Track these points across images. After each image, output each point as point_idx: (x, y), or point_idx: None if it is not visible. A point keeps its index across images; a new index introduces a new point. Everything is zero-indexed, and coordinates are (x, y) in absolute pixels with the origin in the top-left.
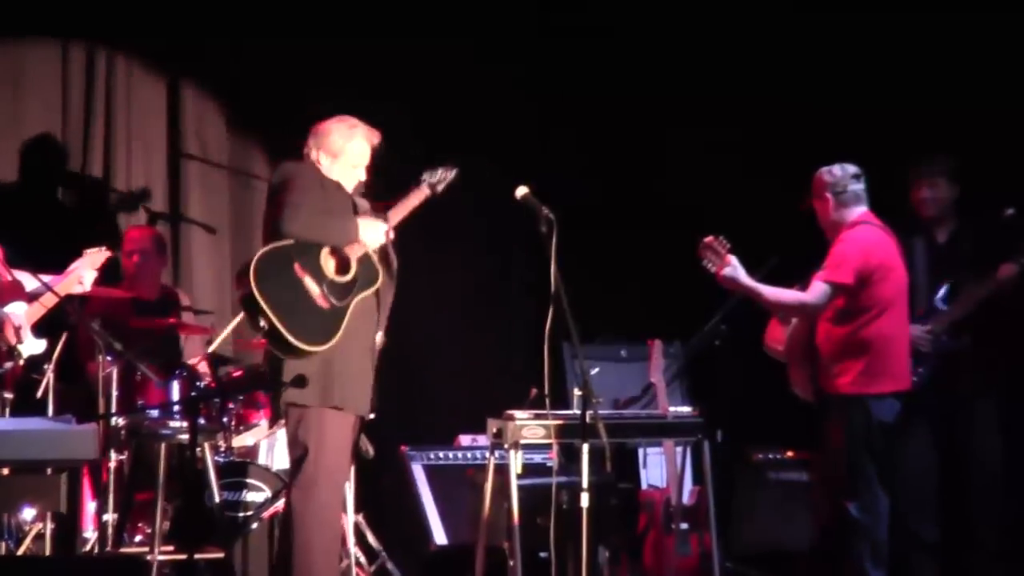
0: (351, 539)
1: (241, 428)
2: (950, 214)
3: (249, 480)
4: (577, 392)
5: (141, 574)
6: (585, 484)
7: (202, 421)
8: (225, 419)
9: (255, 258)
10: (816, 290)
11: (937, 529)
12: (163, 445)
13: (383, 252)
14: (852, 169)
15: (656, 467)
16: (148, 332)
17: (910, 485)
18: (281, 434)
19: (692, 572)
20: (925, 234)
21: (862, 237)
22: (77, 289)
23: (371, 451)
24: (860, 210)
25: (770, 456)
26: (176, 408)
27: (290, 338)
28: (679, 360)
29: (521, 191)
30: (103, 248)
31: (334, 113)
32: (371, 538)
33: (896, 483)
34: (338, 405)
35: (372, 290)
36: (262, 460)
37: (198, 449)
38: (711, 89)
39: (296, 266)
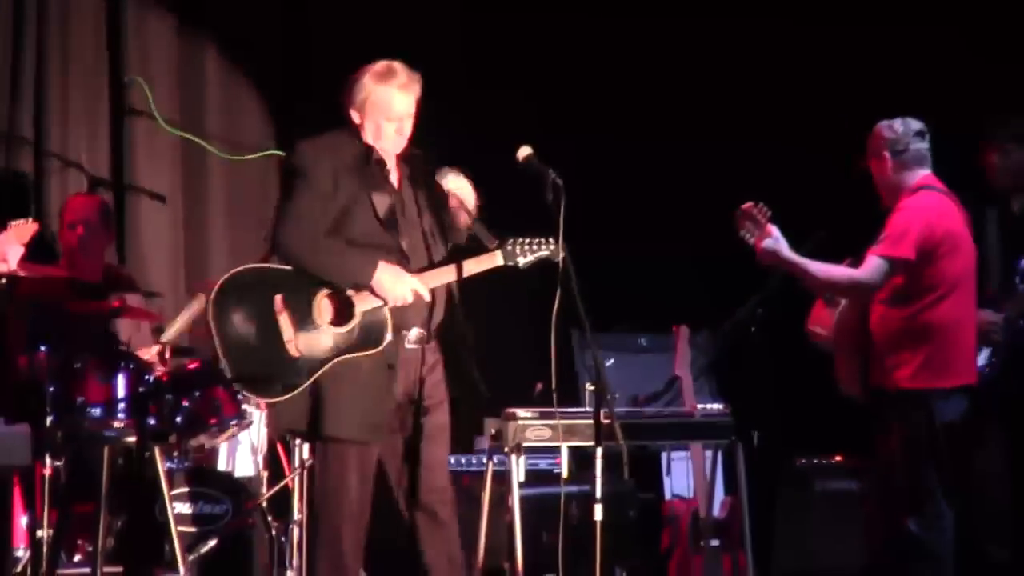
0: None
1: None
2: (1022, 178)
3: (207, 490)
4: (589, 387)
5: None
6: (599, 494)
7: (151, 421)
8: (179, 419)
9: (229, 273)
10: (871, 266)
11: (1008, 549)
12: (106, 449)
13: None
14: (916, 125)
15: (682, 475)
16: (90, 318)
17: (978, 497)
18: (244, 437)
19: None
20: (998, 204)
21: (925, 205)
22: (1, 268)
23: None
24: (923, 173)
25: (815, 462)
26: (121, 406)
27: (236, 384)
28: (709, 350)
29: (524, 151)
30: (29, 220)
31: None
32: None
33: (963, 495)
34: (332, 434)
35: (369, 353)
36: (222, 466)
37: (147, 454)
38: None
39: (277, 299)
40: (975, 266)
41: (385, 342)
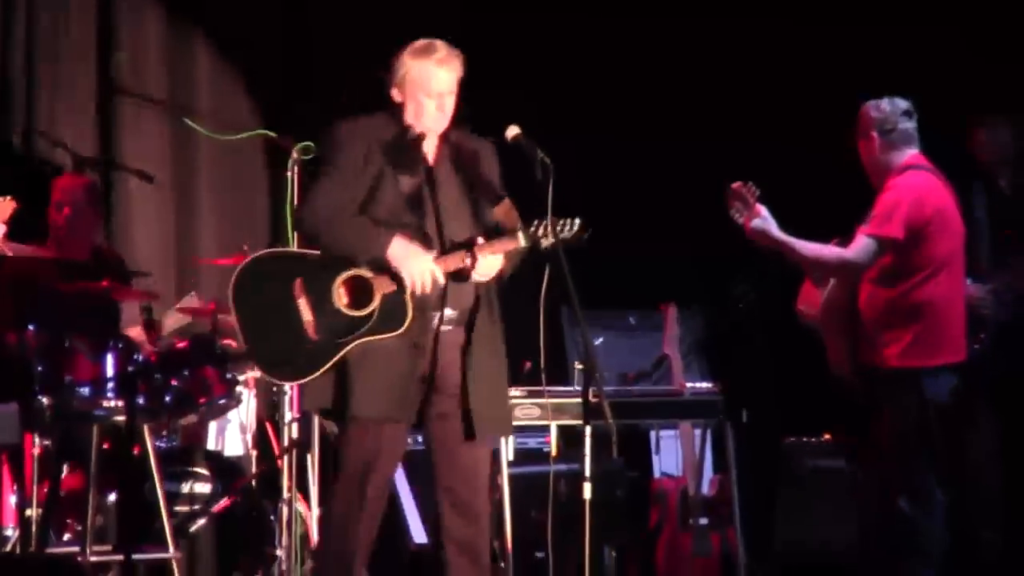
0: (315, 537)
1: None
2: (1013, 159)
3: (196, 469)
4: (578, 366)
5: None
6: (588, 473)
7: (141, 400)
8: (168, 398)
9: (250, 257)
10: (860, 245)
11: (999, 531)
12: (95, 428)
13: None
14: (903, 104)
15: (671, 453)
16: (78, 297)
17: (970, 477)
18: (233, 415)
19: (712, 574)
20: (985, 181)
21: (913, 184)
22: None
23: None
24: (910, 152)
25: (805, 440)
26: (111, 385)
27: (257, 366)
28: (698, 329)
29: (512, 131)
30: (8, 198)
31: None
32: None
33: (954, 474)
34: (357, 413)
35: (388, 337)
36: (211, 446)
37: (136, 432)
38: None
39: (297, 282)
40: (964, 245)
41: (406, 324)
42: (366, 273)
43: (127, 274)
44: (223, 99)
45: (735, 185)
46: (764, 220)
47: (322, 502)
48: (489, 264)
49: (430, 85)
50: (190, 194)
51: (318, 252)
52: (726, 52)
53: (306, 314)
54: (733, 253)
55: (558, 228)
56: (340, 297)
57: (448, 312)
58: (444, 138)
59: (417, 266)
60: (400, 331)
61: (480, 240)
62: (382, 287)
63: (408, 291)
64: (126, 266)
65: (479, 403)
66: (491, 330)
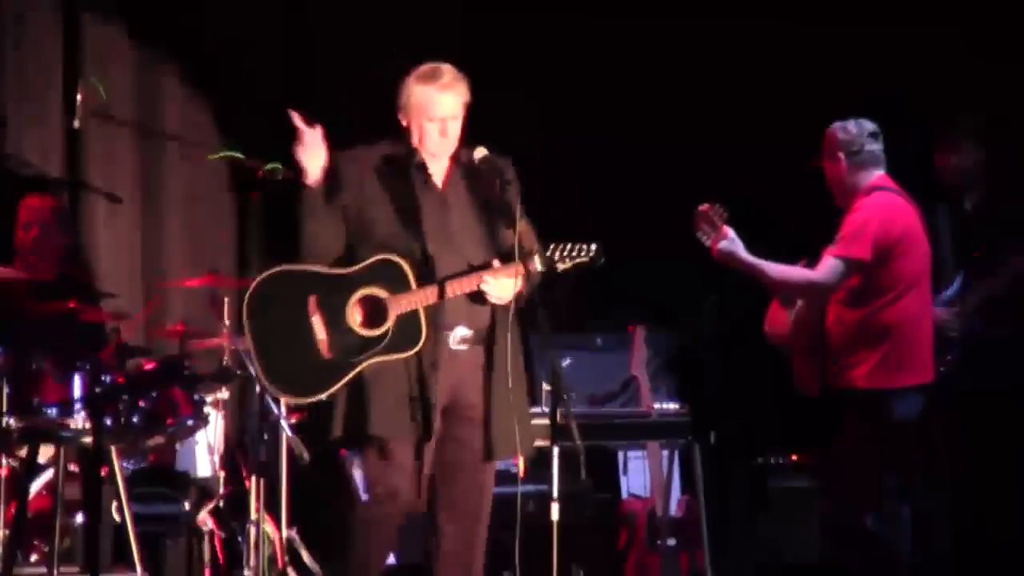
0: (282, 559)
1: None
2: (977, 180)
3: (164, 490)
4: (546, 387)
5: None
6: (555, 494)
7: (108, 421)
8: (135, 419)
9: (264, 274)
10: (827, 267)
11: (965, 547)
12: (62, 449)
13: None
14: (869, 126)
15: (638, 473)
16: (46, 318)
17: (937, 495)
18: (201, 436)
19: None
20: (949, 202)
21: (880, 205)
22: None
23: (307, 456)
24: (877, 173)
25: (772, 461)
26: (78, 406)
27: (264, 380)
28: (666, 350)
29: (479, 152)
30: None
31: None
32: (306, 556)
33: (920, 492)
34: (378, 434)
35: (402, 356)
36: (179, 466)
37: (104, 453)
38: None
39: (312, 300)
40: (930, 265)
41: (420, 343)
42: (381, 293)
43: (95, 295)
44: (191, 120)
45: (703, 207)
46: (731, 242)
47: (291, 524)
48: (504, 287)
49: (432, 110)
50: (157, 215)
51: (331, 270)
52: (688, 57)
53: (320, 332)
54: (701, 274)
55: (574, 252)
56: (354, 316)
57: (463, 332)
58: (455, 160)
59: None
60: (414, 350)
61: (496, 263)
62: (397, 307)
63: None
64: (94, 286)
65: (498, 425)
66: (508, 350)
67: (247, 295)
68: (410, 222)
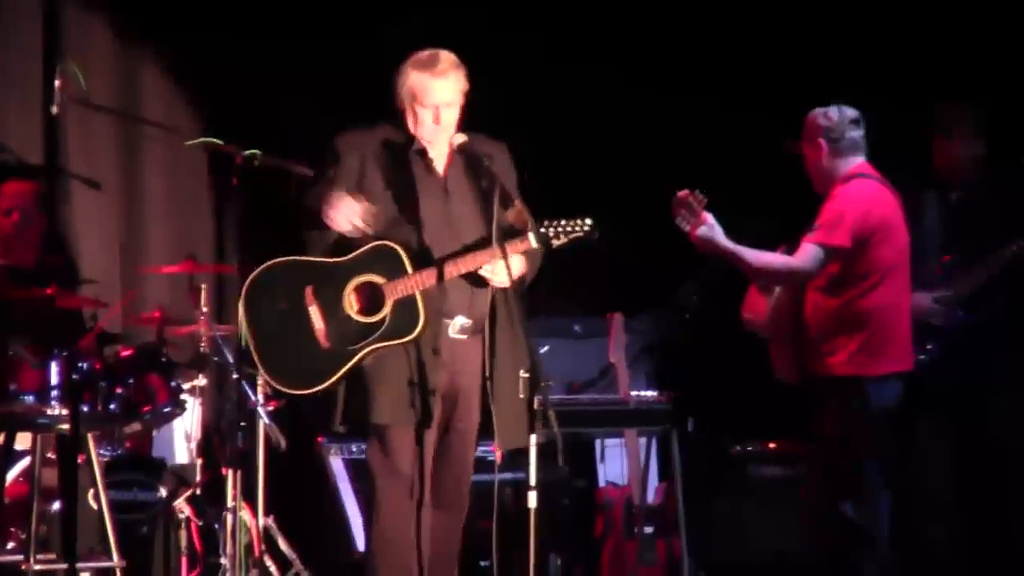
0: (260, 546)
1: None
2: (969, 169)
3: (141, 477)
4: (523, 374)
5: None
6: (532, 482)
7: (85, 408)
8: (112, 406)
9: (260, 267)
10: (806, 254)
11: (948, 535)
12: (39, 437)
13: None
14: (851, 113)
15: (616, 461)
16: (24, 305)
17: (918, 483)
18: (178, 423)
19: None
20: (938, 189)
21: (859, 192)
22: None
23: (283, 443)
24: (857, 160)
25: (751, 449)
26: (55, 393)
27: (263, 373)
28: (644, 337)
29: (459, 139)
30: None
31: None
32: (283, 544)
33: (901, 480)
34: (378, 422)
35: (401, 342)
36: (156, 453)
37: (81, 441)
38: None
39: (308, 290)
40: (909, 253)
41: (418, 329)
42: (377, 279)
43: (74, 281)
44: (171, 105)
45: (681, 193)
46: (710, 228)
47: (267, 512)
48: (502, 268)
49: (426, 97)
50: (136, 201)
51: (325, 259)
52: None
53: (318, 322)
54: (680, 260)
55: (568, 228)
56: (351, 304)
57: (463, 321)
58: (451, 147)
59: (339, 213)
60: (412, 336)
61: (493, 245)
62: (393, 293)
63: (420, 295)
64: (75, 268)
65: (500, 414)
66: (511, 338)
67: (244, 290)
68: (409, 209)
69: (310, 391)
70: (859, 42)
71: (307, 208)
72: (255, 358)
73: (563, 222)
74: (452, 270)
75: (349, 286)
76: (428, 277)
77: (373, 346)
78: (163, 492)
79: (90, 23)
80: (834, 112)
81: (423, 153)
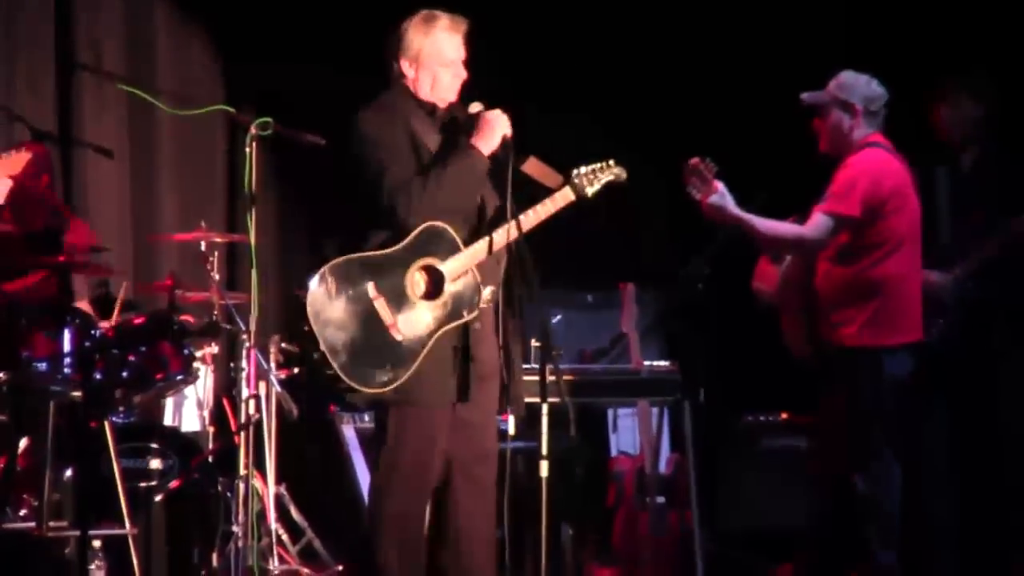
0: (272, 514)
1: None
2: (976, 138)
3: (153, 445)
4: (535, 344)
5: (30, 553)
6: (544, 451)
7: (97, 376)
8: (124, 374)
9: (317, 273)
10: (817, 223)
11: (954, 509)
12: (52, 404)
13: (514, 255)
14: (880, 89)
15: (628, 431)
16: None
17: (925, 456)
18: (190, 391)
19: (669, 554)
20: (948, 161)
21: (870, 162)
22: None
23: (295, 412)
24: (873, 131)
25: (762, 419)
26: (67, 361)
27: (344, 378)
28: (656, 307)
29: (475, 106)
30: (24, 148)
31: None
32: (295, 513)
33: (910, 452)
34: (415, 402)
35: (466, 320)
36: (168, 421)
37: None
38: None
39: (370, 286)
40: (920, 223)
41: (479, 307)
42: (434, 261)
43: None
44: (183, 74)
45: (692, 161)
46: (721, 196)
47: (279, 480)
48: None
49: (444, 55)
50: (148, 170)
51: (373, 253)
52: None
53: (387, 316)
54: (694, 230)
55: (599, 172)
56: (415, 290)
57: (491, 289)
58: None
59: (500, 123)
60: (476, 312)
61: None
62: (452, 272)
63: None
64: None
65: (514, 382)
66: (515, 308)
67: (306, 301)
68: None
69: (393, 386)
70: (862, 14)
71: (406, 188)
72: (331, 363)
73: (590, 168)
74: (500, 239)
75: (409, 273)
76: (480, 251)
77: (443, 328)
78: (175, 460)
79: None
80: (875, 84)
81: (454, 120)
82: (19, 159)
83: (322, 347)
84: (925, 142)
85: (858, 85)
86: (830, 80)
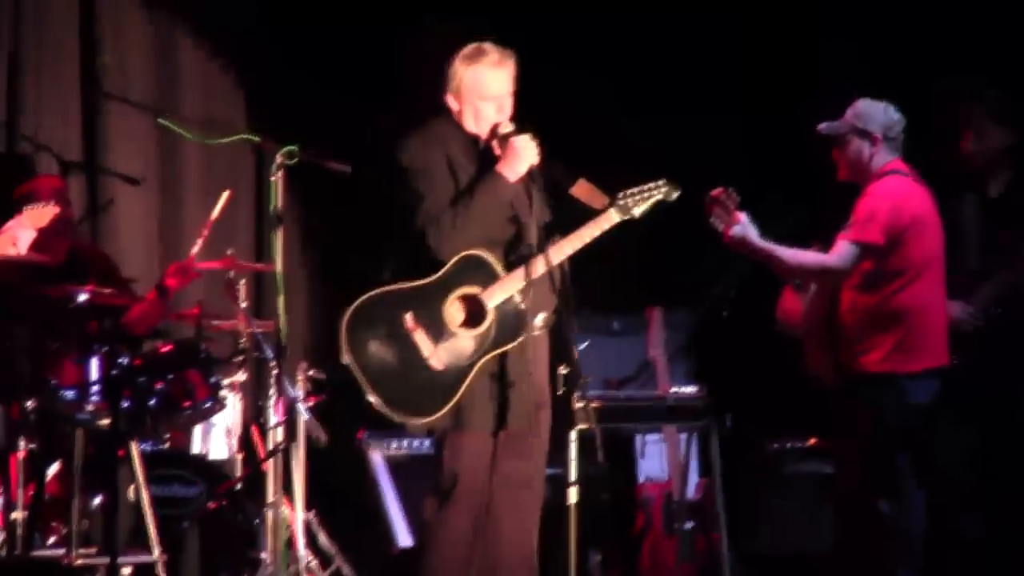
0: (300, 541)
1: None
2: (1003, 163)
3: (181, 472)
4: (562, 370)
5: None
6: (573, 477)
7: (125, 404)
8: (152, 402)
9: (353, 306)
10: (840, 251)
11: (979, 524)
12: (79, 432)
13: (555, 280)
14: (897, 115)
15: (655, 457)
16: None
17: (948, 472)
18: (218, 419)
19: None
20: (975, 187)
21: (892, 189)
22: (10, 251)
23: (324, 438)
24: (894, 158)
25: (788, 445)
26: (95, 389)
27: (386, 411)
28: (683, 333)
29: (505, 126)
30: (51, 203)
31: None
32: (324, 539)
33: (933, 472)
34: (465, 429)
35: (510, 347)
36: (196, 449)
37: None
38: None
39: (408, 317)
40: (943, 249)
41: (525, 333)
42: (473, 289)
43: (113, 271)
44: (209, 101)
45: (715, 192)
46: (744, 227)
47: (308, 507)
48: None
49: (486, 89)
50: (175, 197)
51: (415, 283)
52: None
53: (426, 347)
54: (717, 255)
55: (646, 193)
56: (455, 319)
57: (543, 316)
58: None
59: (526, 151)
60: (521, 338)
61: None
62: (491, 298)
63: (519, 294)
64: (111, 262)
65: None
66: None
67: (342, 334)
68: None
69: (435, 416)
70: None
71: (436, 221)
72: (374, 398)
73: (637, 188)
74: (539, 265)
75: (447, 303)
76: (521, 276)
77: (486, 357)
78: (203, 487)
79: (127, 18)
80: (892, 111)
81: (490, 150)
82: (46, 212)
83: (360, 378)
84: (950, 169)
85: (876, 113)
86: (846, 109)
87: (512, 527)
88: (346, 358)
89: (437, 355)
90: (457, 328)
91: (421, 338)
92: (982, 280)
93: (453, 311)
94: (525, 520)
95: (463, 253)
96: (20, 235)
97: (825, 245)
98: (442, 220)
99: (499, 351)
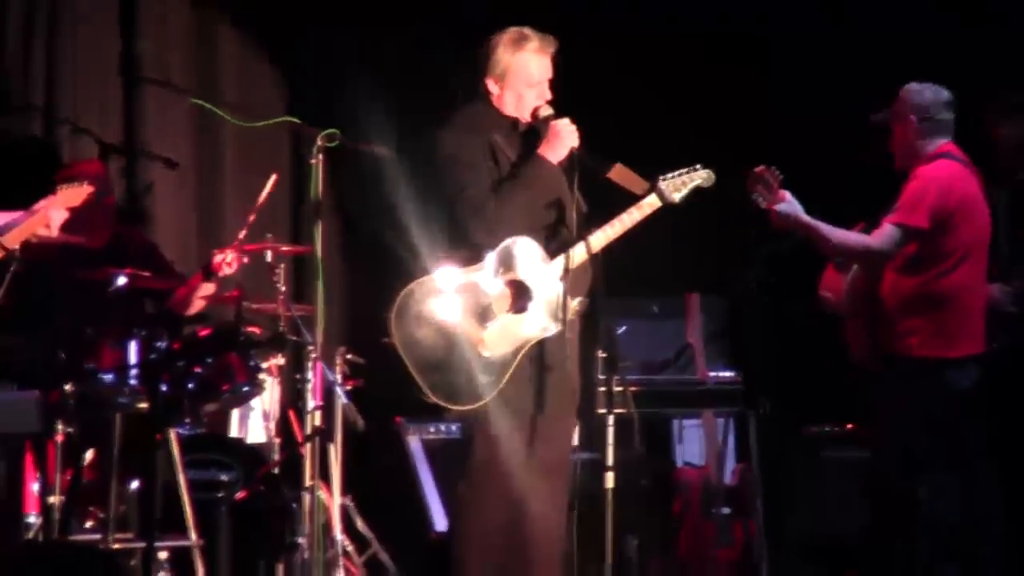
0: (337, 526)
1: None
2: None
3: (219, 456)
4: (601, 354)
5: (95, 566)
6: (610, 462)
7: (163, 388)
8: (191, 386)
9: (399, 296)
10: (885, 234)
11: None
12: (118, 416)
13: (590, 264)
14: (945, 95)
15: (694, 442)
16: (102, 284)
17: (988, 468)
18: (256, 403)
19: (734, 564)
20: (1006, 178)
21: (940, 173)
22: (42, 232)
23: (361, 423)
24: (943, 141)
25: (827, 430)
26: (133, 373)
27: (435, 399)
28: (722, 317)
29: (545, 109)
30: (84, 183)
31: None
32: (361, 524)
33: (972, 463)
34: (503, 415)
35: (554, 332)
36: (234, 433)
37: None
38: None
39: (456, 303)
40: (988, 235)
41: (569, 315)
42: (519, 276)
43: (157, 257)
44: (249, 85)
45: (758, 169)
46: (790, 204)
47: (345, 492)
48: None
49: (531, 75)
50: (214, 181)
51: (462, 270)
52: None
53: (474, 333)
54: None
55: (685, 177)
56: (501, 306)
57: (578, 301)
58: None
59: (567, 134)
60: (564, 324)
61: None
62: (537, 285)
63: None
64: (156, 248)
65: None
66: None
67: (390, 322)
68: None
69: (482, 402)
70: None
71: (481, 209)
72: (420, 384)
73: (676, 173)
74: (581, 250)
75: (494, 289)
76: (563, 261)
77: (532, 341)
78: (240, 471)
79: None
80: (929, 91)
81: (533, 134)
82: (80, 192)
83: (410, 367)
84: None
85: (910, 98)
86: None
87: (545, 510)
88: (394, 345)
89: (483, 342)
90: (504, 314)
91: (469, 325)
92: (1012, 265)
93: (500, 297)
94: (557, 503)
95: (508, 240)
96: (52, 215)
97: (870, 224)
98: (487, 208)
99: (543, 336)
